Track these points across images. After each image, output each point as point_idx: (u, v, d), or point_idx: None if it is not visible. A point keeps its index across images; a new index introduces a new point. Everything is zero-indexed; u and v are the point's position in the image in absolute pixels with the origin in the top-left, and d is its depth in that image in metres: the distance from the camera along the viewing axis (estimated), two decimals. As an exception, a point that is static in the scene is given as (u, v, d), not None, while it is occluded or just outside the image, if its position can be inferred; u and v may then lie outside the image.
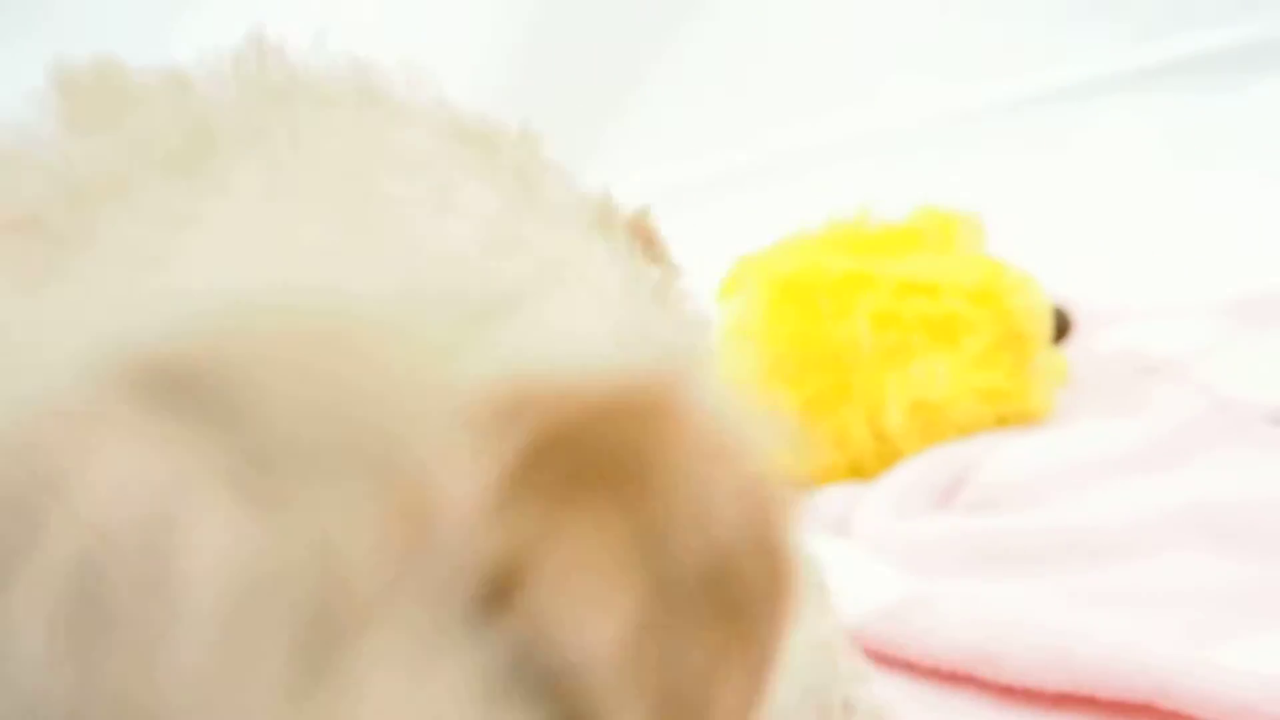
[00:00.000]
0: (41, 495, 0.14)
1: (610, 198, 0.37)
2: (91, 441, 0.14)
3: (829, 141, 1.76)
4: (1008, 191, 1.33)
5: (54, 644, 0.14)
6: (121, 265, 0.21)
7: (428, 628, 0.15)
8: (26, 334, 0.17)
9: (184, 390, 0.15)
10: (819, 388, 0.97)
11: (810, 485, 0.96)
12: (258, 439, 0.14)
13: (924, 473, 0.91)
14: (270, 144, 0.26)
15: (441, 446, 0.15)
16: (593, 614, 0.16)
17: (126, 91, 0.27)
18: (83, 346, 0.15)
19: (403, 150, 0.30)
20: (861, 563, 0.74)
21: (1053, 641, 0.59)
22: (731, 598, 0.18)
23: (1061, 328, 1.04)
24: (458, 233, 0.26)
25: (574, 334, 0.24)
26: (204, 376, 0.15)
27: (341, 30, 0.33)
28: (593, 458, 0.16)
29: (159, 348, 0.15)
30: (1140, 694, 0.55)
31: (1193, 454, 0.87)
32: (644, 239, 0.38)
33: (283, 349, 0.15)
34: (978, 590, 0.69)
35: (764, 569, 0.18)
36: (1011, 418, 0.98)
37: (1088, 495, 0.83)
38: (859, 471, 0.97)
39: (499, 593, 0.16)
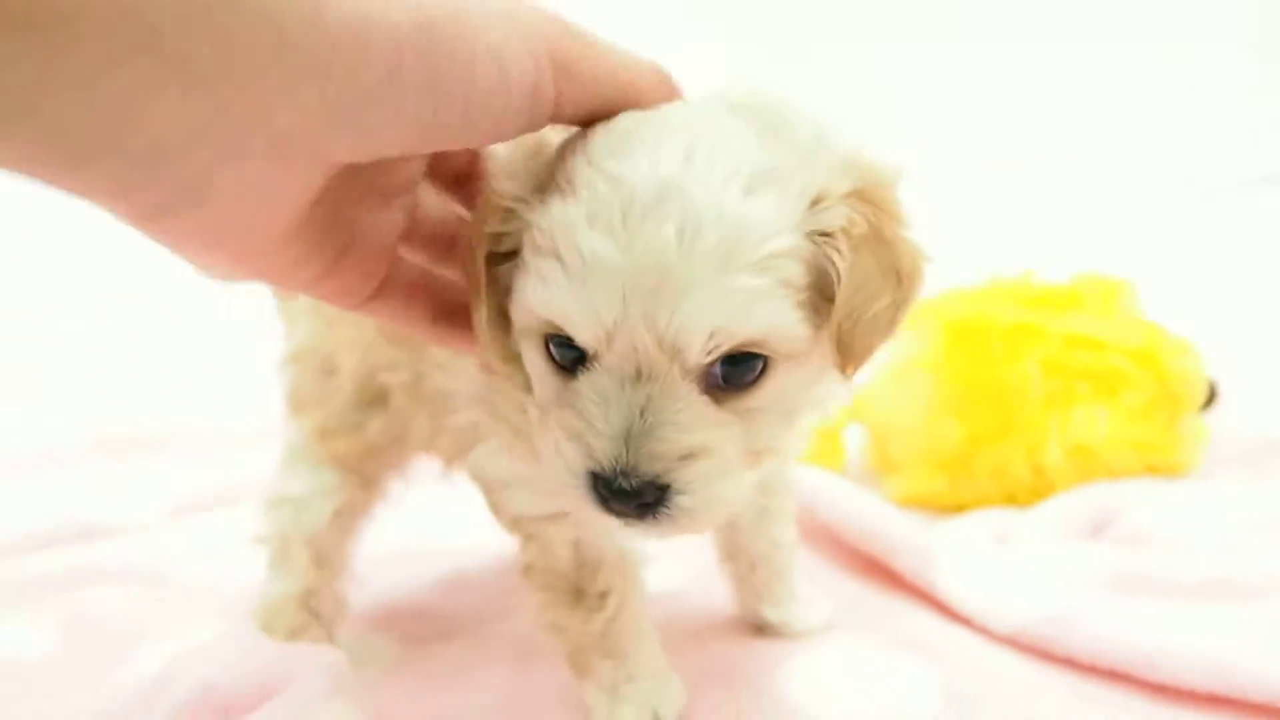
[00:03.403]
0: None
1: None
2: None
3: (989, 206, 1.86)
4: (1151, 273, 1.40)
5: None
6: None
7: None
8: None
9: None
10: (985, 423, 1.08)
11: (968, 508, 1.07)
12: None
13: (1079, 505, 1.00)
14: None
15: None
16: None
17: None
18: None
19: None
20: (1023, 572, 0.82)
21: (1206, 647, 0.66)
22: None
23: (1210, 396, 1.14)
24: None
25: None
26: None
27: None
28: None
29: None
30: (1294, 699, 0.61)
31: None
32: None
33: None
34: (1132, 608, 0.77)
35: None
36: (1159, 469, 1.07)
37: (1228, 546, 0.90)
38: (1012, 501, 1.08)
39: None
